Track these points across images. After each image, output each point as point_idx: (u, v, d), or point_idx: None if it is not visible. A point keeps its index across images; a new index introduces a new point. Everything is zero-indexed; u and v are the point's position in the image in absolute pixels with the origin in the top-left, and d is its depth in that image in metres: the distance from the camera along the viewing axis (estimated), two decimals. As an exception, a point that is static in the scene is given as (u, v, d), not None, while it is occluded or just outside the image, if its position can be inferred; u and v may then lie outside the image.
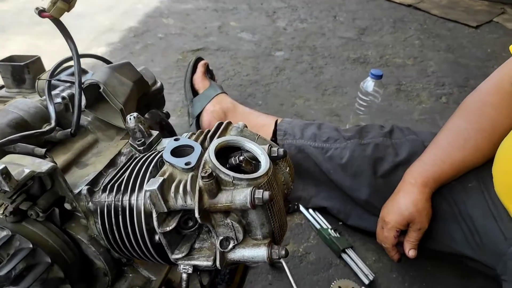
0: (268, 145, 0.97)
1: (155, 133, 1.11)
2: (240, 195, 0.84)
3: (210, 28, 4.00)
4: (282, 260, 1.83)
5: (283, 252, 0.90)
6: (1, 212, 0.88)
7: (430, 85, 3.30)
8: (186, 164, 0.90)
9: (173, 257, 0.93)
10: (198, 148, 0.94)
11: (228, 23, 4.15)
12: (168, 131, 1.39)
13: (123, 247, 0.98)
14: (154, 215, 0.88)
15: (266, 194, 0.82)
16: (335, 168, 1.79)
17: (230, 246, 0.92)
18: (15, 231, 0.89)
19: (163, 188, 0.88)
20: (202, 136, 1.02)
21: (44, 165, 0.90)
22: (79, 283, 1.04)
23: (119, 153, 1.11)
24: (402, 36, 4.11)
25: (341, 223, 2.05)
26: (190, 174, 0.88)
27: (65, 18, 1.09)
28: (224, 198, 0.85)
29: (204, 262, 0.93)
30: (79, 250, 1.01)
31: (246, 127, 1.05)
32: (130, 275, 1.12)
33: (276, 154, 0.95)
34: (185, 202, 0.89)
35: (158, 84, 1.39)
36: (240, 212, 0.90)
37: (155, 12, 4.31)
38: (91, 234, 1.00)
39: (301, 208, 2.05)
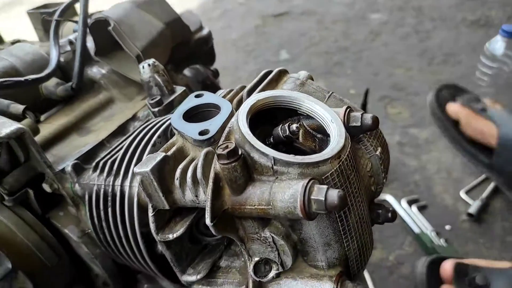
0: (345, 107, 0.56)
1: (179, 89, 0.77)
2: (284, 193, 0.46)
3: (296, -10, 3.58)
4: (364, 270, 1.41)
5: (362, 296, 0.51)
6: None
7: None
8: (201, 133, 0.54)
9: (184, 279, 0.59)
10: (226, 109, 0.57)
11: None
12: (214, 94, 1.05)
13: (118, 252, 0.67)
14: (150, 212, 0.55)
15: (334, 195, 0.43)
16: None
17: (271, 274, 0.55)
18: (-32, 219, 0.63)
19: (164, 170, 0.53)
20: (242, 93, 0.64)
21: (5, 127, 0.61)
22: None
23: (134, 117, 0.80)
24: (540, -7, 3.23)
25: (449, 226, 1.54)
26: (205, 151, 0.52)
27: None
28: (256, 196, 0.48)
29: (230, 292, 0.58)
30: (68, 248, 0.72)
31: (312, 78, 0.64)
32: (145, 285, 0.81)
33: (359, 123, 0.54)
34: (196, 196, 0.53)
35: (205, 32, 1.04)
36: (288, 221, 0.52)
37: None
38: (83, 229, 0.71)
39: (393, 202, 1.58)
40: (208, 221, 0.48)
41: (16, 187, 0.66)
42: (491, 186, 1.67)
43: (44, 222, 0.70)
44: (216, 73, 1.07)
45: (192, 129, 0.54)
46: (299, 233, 0.52)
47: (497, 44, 1.80)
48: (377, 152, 0.60)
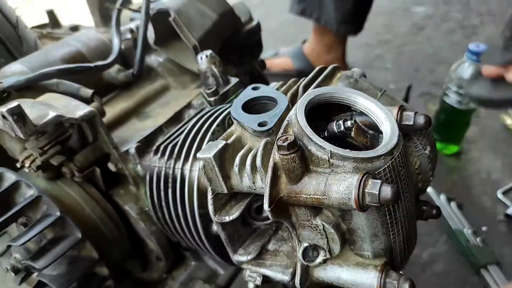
0: (398, 106, 0.58)
1: (234, 80, 0.81)
2: (340, 185, 0.49)
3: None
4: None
5: (406, 286, 0.53)
6: (28, 164, 0.69)
7: None
8: (260, 124, 0.57)
9: (236, 258, 0.64)
10: (283, 102, 0.61)
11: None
12: (262, 85, 1.09)
13: (174, 230, 0.73)
14: (210, 195, 0.59)
15: (388, 189, 0.46)
16: None
17: (319, 259, 0.59)
18: (44, 192, 0.70)
19: (224, 157, 0.58)
20: (295, 87, 0.68)
21: (79, 110, 0.67)
22: (131, 262, 0.84)
23: (188, 105, 0.84)
24: None
25: (485, 227, 1.53)
26: (264, 141, 0.56)
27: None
28: (312, 187, 0.51)
29: (278, 274, 0.62)
30: (126, 224, 0.79)
31: (365, 76, 0.67)
32: (192, 263, 0.87)
33: (411, 122, 0.56)
34: (254, 182, 0.57)
35: (254, 23, 1.07)
36: (339, 211, 0.55)
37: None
38: (142, 207, 0.77)
39: (434, 195, 1.58)
40: (266, 206, 0.52)
41: (85, 165, 0.72)
42: (532, 189, 1.63)
43: (107, 199, 0.76)
44: (262, 64, 1.11)
45: (252, 120, 0.58)
46: (348, 223, 0.55)
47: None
48: (426, 151, 0.62)
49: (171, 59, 0.93)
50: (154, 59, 0.93)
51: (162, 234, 0.79)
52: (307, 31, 2.45)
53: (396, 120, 0.57)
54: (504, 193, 1.66)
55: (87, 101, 0.74)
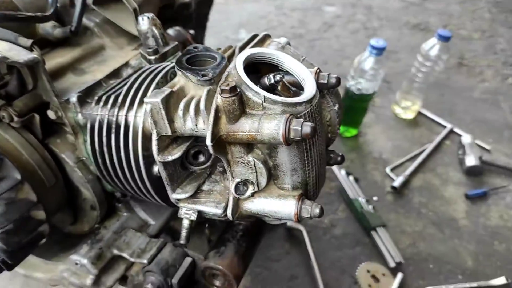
0: (316, 68, 0.72)
1: (172, 43, 0.88)
2: (270, 123, 0.60)
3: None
4: (303, 229, 1.61)
5: (317, 210, 0.67)
6: (-37, 106, 0.69)
7: (497, 64, 2.90)
8: (203, 75, 0.66)
9: (174, 196, 0.72)
10: (221, 59, 0.70)
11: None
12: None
13: (115, 176, 0.78)
14: (154, 137, 0.67)
15: (308, 126, 0.58)
16: None
17: (248, 192, 0.70)
18: (-20, 134, 0.70)
19: (169, 102, 0.65)
20: (231, 50, 0.78)
21: (24, 55, 0.69)
22: (59, 213, 0.86)
23: (126, 64, 0.89)
24: (471, 7, 3.64)
25: (376, 197, 1.79)
26: (207, 89, 0.65)
27: None
28: (248, 125, 0.62)
29: (212, 208, 0.72)
30: (62, 173, 0.81)
31: (289, 44, 0.79)
32: (124, 214, 0.93)
33: (325, 81, 0.70)
34: (196, 125, 0.66)
35: (187, -2, 1.15)
36: (267, 150, 0.67)
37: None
38: (79, 156, 0.80)
39: (336, 171, 1.81)
40: (208, 141, 0.61)
41: (25, 111, 0.73)
42: (413, 165, 1.95)
43: (44, 146, 0.78)
44: (194, 37, 1.18)
45: (195, 71, 0.67)
46: (274, 160, 0.67)
47: (432, 46, 2.07)
48: (335, 107, 0.76)
49: (107, 20, 0.96)
50: (90, 19, 0.95)
51: (98, 183, 0.83)
52: (227, 19, 2.53)
53: (315, 79, 0.70)
54: (392, 169, 1.95)
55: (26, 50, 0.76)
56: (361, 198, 1.74)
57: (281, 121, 0.60)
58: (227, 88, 0.60)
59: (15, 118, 0.72)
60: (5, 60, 0.65)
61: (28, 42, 0.76)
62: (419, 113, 2.30)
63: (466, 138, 2.02)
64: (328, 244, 1.63)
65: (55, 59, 0.87)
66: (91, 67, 0.89)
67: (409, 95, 2.25)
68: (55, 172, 0.79)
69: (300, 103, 0.63)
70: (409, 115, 2.27)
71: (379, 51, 1.82)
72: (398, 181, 1.83)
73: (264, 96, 0.61)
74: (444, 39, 1.99)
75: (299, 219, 0.67)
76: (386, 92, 2.46)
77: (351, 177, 1.83)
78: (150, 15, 0.84)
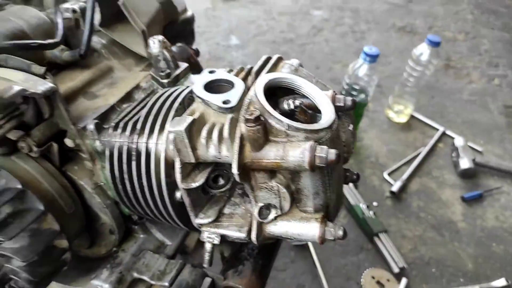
0: (331, 91, 0.73)
1: (183, 65, 0.88)
2: (295, 151, 0.62)
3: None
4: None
5: (341, 232, 0.69)
6: (-18, 139, 0.68)
7: (482, 64, 2.98)
8: (225, 102, 0.67)
9: (197, 221, 0.72)
10: (239, 85, 0.71)
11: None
12: (197, 72, 1.16)
13: (136, 202, 0.78)
14: (178, 165, 0.67)
15: (332, 152, 0.60)
16: None
17: (271, 216, 0.71)
18: (1, 166, 0.70)
19: (192, 130, 0.66)
20: (244, 72, 0.78)
21: (41, 85, 0.69)
22: (79, 238, 0.86)
23: (137, 87, 0.89)
24: (454, 9, 3.73)
25: (376, 203, 1.82)
26: (229, 117, 0.66)
27: None
28: (273, 153, 0.63)
29: (235, 232, 0.72)
30: (81, 199, 0.81)
31: (301, 65, 0.81)
32: (141, 236, 0.93)
33: (342, 104, 0.72)
34: (220, 152, 0.67)
35: (189, 14, 1.15)
36: (290, 175, 0.68)
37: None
38: (96, 182, 0.80)
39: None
40: (234, 170, 0.62)
41: (43, 140, 0.73)
42: (410, 169, 1.99)
43: (62, 174, 0.78)
44: (197, 52, 1.19)
45: (216, 99, 0.67)
46: (297, 184, 0.68)
47: (423, 51, 2.11)
48: (350, 128, 0.78)
49: (114, 42, 0.96)
50: (97, 41, 0.95)
51: (116, 207, 0.83)
52: (216, 25, 2.54)
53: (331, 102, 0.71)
54: (389, 174, 1.99)
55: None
56: (362, 204, 1.77)
57: (306, 148, 0.61)
58: (252, 117, 0.61)
59: (34, 148, 0.72)
60: (24, 93, 0.65)
61: (42, 69, 0.76)
62: (412, 117, 2.35)
63: (458, 141, 2.07)
64: (333, 251, 1.66)
65: (66, 83, 0.87)
66: (102, 90, 0.89)
67: (402, 99, 2.29)
68: (74, 199, 0.78)
69: (322, 129, 0.64)
70: (402, 118, 2.31)
71: (373, 58, 1.86)
72: (396, 186, 1.87)
73: (288, 124, 0.63)
74: (434, 44, 2.04)
75: (323, 241, 0.69)
76: (378, 97, 2.50)
77: (350, 184, 1.85)
78: (160, 37, 0.84)
